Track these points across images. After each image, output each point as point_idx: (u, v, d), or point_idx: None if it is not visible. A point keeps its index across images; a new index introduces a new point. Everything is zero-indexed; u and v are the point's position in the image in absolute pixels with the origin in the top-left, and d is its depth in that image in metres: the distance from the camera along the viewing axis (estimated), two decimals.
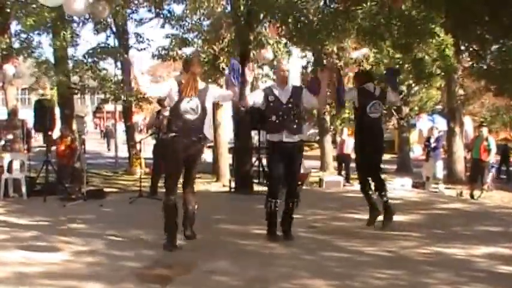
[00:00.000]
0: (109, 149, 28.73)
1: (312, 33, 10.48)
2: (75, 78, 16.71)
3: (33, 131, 16.95)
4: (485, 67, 10.03)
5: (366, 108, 6.87)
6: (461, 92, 18.35)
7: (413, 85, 21.25)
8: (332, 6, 10.45)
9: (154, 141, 10.58)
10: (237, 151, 12.75)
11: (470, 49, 10.30)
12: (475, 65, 11.20)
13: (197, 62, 6.02)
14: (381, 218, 6.91)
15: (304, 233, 6.69)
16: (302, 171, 13.44)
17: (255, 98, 6.24)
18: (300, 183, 13.51)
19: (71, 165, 11.59)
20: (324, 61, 20.13)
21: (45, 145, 11.14)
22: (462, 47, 11.45)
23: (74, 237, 6.22)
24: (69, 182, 10.85)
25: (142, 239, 6.25)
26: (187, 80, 5.66)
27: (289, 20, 10.70)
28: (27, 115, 15.05)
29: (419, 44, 10.21)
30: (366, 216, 7.03)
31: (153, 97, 13.18)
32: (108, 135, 32.09)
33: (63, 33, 13.67)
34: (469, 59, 12.90)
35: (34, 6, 12.25)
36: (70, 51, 16.35)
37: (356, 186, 15.12)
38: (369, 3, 9.04)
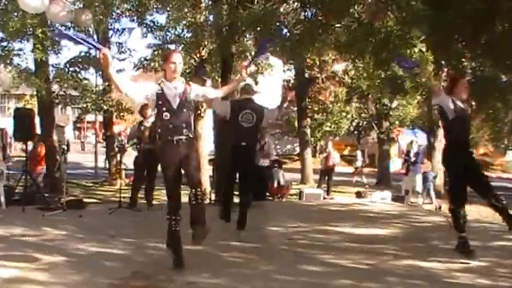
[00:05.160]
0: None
1: (289, 45, 10.49)
2: (55, 87, 16.55)
3: (12, 140, 16.79)
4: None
5: None
6: None
7: (391, 102, 21.44)
8: (312, 19, 10.47)
9: (135, 152, 10.48)
10: (217, 163, 12.71)
11: (450, 66, 10.35)
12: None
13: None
14: None
15: (283, 245, 6.70)
16: (283, 184, 13.70)
17: None
18: (280, 196, 13.70)
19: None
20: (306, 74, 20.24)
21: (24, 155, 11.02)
22: (443, 64, 11.53)
23: (51, 248, 6.14)
24: (49, 192, 10.75)
25: (121, 250, 6.21)
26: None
27: (270, 33, 10.72)
28: (5, 123, 14.90)
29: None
30: (345, 229, 7.05)
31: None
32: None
33: (42, 37, 13.51)
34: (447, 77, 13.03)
35: (15, 14, 12.16)
36: (51, 59, 16.21)
37: (336, 199, 15.33)
38: (346, 19, 9.06)
